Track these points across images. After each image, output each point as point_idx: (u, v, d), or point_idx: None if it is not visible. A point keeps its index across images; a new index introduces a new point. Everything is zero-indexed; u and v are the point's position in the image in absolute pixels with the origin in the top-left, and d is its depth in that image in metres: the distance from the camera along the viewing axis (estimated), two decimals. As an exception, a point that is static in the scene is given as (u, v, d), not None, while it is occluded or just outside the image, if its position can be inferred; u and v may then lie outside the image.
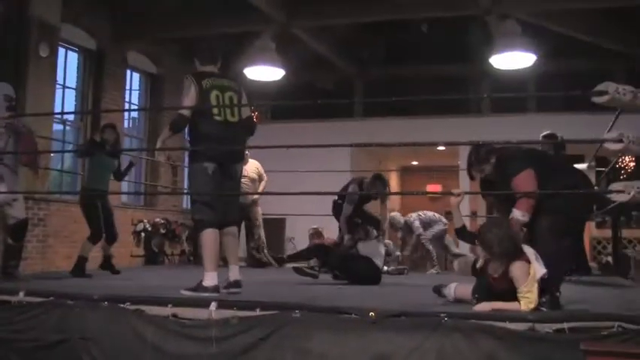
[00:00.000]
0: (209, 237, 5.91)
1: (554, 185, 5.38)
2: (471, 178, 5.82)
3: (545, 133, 8.21)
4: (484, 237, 5.08)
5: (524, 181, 5.41)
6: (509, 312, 4.75)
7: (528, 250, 5.01)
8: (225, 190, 6.01)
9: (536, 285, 4.87)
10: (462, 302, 5.38)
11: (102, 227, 8.38)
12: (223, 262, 6.33)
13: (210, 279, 5.84)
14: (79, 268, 8.22)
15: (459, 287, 5.57)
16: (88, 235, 8.42)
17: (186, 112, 5.95)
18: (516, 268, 4.93)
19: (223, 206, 6.03)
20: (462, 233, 5.65)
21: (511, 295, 4.95)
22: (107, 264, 8.71)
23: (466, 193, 5.60)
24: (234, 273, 6.06)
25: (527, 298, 4.84)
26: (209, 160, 5.88)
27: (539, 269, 4.88)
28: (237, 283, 6.00)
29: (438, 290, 5.79)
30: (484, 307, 4.90)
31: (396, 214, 11.59)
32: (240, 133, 6.09)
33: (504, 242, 4.97)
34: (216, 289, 5.83)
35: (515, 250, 4.99)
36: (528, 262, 4.94)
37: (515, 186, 5.43)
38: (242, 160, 6.22)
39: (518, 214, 5.34)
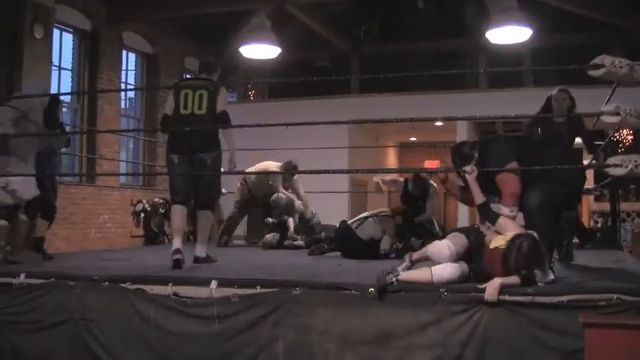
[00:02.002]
0: (173, 211, 6.88)
1: (541, 164, 5.44)
2: (464, 180, 5.86)
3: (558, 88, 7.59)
4: (514, 249, 4.90)
5: (505, 179, 5.53)
6: (508, 284, 4.73)
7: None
8: (194, 177, 6.75)
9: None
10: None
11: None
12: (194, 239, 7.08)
13: (173, 244, 6.58)
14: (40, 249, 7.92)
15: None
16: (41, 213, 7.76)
17: (166, 111, 6.97)
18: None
19: (194, 192, 6.84)
20: (484, 209, 5.58)
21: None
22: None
23: (478, 170, 5.56)
24: (198, 250, 6.82)
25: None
26: (172, 152, 6.77)
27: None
28: (197, 259, 6.72)
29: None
30: (494, 286, 4.67)
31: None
32: (207, 125, 6.67)
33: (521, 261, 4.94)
34: (175, 252, 6.43)
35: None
36: None
37: (498, 183, 5.56)
38: (208, 149, 6.68)
39: (507, 211, 5.49)
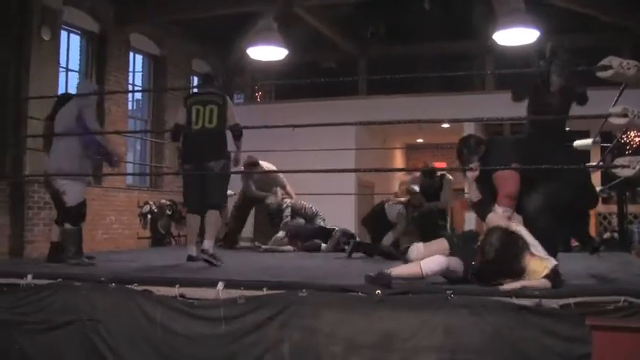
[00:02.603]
0: (187, 220, 7.77)
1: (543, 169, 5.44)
2: (465, 172, 5.91)
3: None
4: (486, 245, 5.10)
5: (504, 178, 5.56)
6: (536, 287, 4.74)
7: (534, 244, 5.08)
8: (204, 183, 7.33)
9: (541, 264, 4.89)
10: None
11: None
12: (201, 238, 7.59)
13: (188, 251, 7.37)
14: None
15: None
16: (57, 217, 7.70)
17: (178, 121, 7.62)
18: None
19: (202, 196, 7.37)
20: (478, 207, 5.75)
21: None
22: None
23: (481, 168, 5.60)
24: (205, 244, 7.21)
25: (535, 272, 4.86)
26: (185, 162, 7.52)
27: (550, 261, 4.93)
28: (203, 251, 7.14)
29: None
30: (514, 286, 4.77)
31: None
32: (216, 137, 7.31)
33: (503, 257, 5.00)
34: (190, 258, 7.27)
35: (513, 266, 4.99)
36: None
37: (495, 181, 5.59)
38: (215, 158, 7.27)
39: (500, 211, 5.54)
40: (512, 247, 4.99)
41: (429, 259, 5.20)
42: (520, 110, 6.30)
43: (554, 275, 4.79)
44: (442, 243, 5.54)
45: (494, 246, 4.98)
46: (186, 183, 7.68)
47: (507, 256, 4.94)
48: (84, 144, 7.19)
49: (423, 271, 5.08)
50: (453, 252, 5.37)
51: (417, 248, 5.70)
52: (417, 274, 5.11)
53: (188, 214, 7.67)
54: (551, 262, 4.90)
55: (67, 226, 7.20)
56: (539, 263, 4.86)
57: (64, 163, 7.12)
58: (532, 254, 4.96)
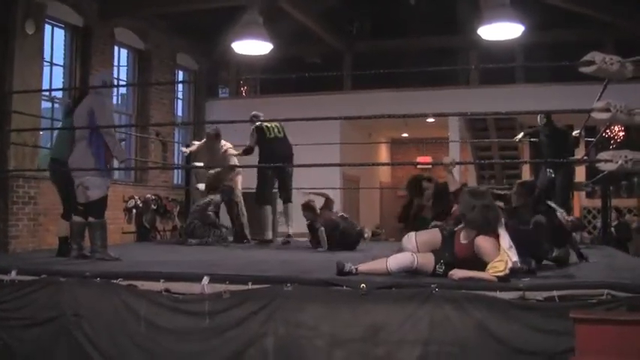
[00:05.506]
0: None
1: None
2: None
3: None
4: (462, 202, 5.29)
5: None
6: (482, 281, 4.83)
7: (502, 231, 5.13)
8: None
9: (504, 260, 4.93)
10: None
11: None
12: None
13: None
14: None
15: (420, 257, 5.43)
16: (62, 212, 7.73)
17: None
18: (482, 241, 5.02)
19: None
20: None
21: (475, 264, 5.00)
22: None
23: (457, 163, 5.66)
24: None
25: (496, 267, 4.89)
26: None
27: (511, 254, 4.97)
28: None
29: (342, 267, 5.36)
30: (461, 273, 4.93)
31: None
32: None
33: (478, 213, 5.14)
34: None
35: (487, 224, 5.12)
36: (497, 238, 5.07)
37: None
38: None
39: None
40: (488, 201, 5.24)
41: (396, 255, 5.35)
42: (504, 105, 6.35)
43: (505, 276, 4.87)
44: (436, 234, 5.60)
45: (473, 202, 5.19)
46: None
47: (483, 212, 5.12)
48: (99, 143, 7.03)
49: (389, 267, 5.23)
50: (443, 243, 5.43)
51: (409, 238, 5.71)
52: (382, 271, 5.25)
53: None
54: (510, 264, 4.93)
55: (92, 219, 7.14)
56: (501, 264, 4.90)
57: (85, 158, 7.03)
58: (500, 238, 5.08)
